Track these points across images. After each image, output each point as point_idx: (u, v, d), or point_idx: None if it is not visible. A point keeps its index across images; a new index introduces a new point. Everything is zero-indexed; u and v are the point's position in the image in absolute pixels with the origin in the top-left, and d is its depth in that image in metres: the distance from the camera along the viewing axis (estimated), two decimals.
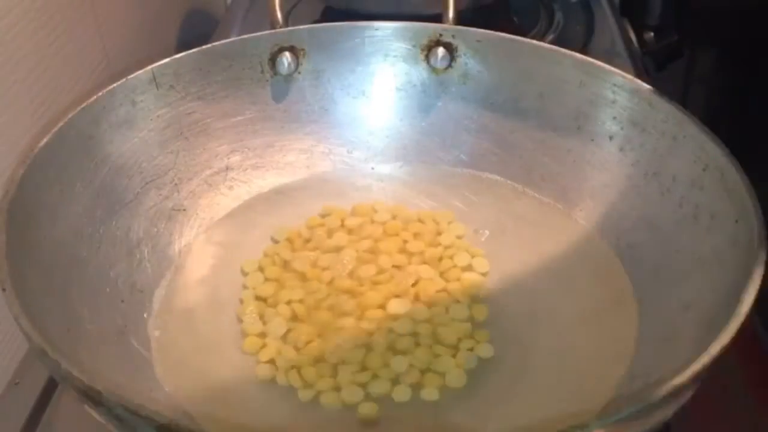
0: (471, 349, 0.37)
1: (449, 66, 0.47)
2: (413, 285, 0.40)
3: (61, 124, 0.38)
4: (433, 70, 0.48)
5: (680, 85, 0.66)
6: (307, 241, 0.43)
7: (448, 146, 0.48)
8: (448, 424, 0.34)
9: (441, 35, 0.47)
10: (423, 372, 0.36)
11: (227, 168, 0.46)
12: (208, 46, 0.45)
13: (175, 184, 0.44)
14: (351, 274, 0.41)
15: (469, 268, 0.41)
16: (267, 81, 0.47)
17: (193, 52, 0.44)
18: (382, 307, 0.39)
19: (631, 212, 0.41)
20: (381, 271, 0.41)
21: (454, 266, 0.41)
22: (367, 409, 0.34)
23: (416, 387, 0.35)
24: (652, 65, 0.65)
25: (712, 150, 0.37)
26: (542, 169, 0.46)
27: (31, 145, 0.37)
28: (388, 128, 0.49)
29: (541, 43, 0.46)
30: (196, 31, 0.75)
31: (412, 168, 0.48)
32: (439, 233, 0.43)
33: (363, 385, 0.35)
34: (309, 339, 0.37)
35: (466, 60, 0.47)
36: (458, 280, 0.40)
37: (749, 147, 0.37)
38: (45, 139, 0.37)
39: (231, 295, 0.40)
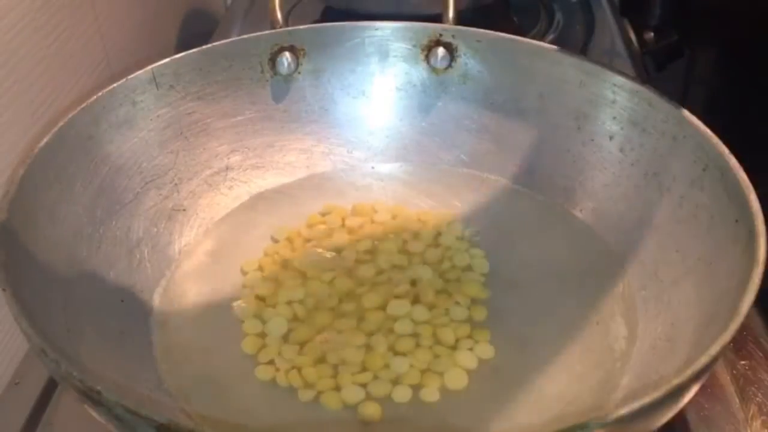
0: (471, 350, 0.37)
1: (449, 66, 0.47)
2: (413, 286, 0.40)
3: (61, 124, 0.38)
4: (433, 70, 0.48)
5: (680, 85, 0.66)
6: (308, 240, 0.43)
7: (448, 146, 0.48)
8: (448, 424, 0.34)
9: (441, 35, 0.47)
10: (423, 372, 0.36)
11: (227, 168, 0.46)
12: (208, 46, 0.45)
13: (175, 184, 0.44)
14: (351, 275, 0.41)
15: (468, 268, 0.41)
16: (267, 81, 0.47)
17: (193, 52, 0.44)
18: (382, 308, 0.39)
19: (631, 212, 0.41)
20: (381, 272, 0.41)
21: (454, 266, 0.41)
22: (368, 409, 0.34)
23: (416, 387, 0.35)
24: (652, 65, 0.65)
25: (712, 150, 0.37)
26: (542, 169, 0.46)
27: (31, 145, 0.36)
28: (388, 128, 0.49)
29: (541, 43, 0.46)
30: (196, 31, 0.75)
31: (412, 168, 0.48)
32: (439, 233, 0.43)
33: (363, 386, 0.35)
34: (309, 339, 0.37)
35: (466, 60, 0.47)
36: (458, 280, 0.40)
37: (749, 147, 0.37)
38: (45, 139, 0.37)
39: (231, 295, 0.40)
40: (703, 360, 0.27)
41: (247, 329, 0.38)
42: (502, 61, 0.46)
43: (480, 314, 0.39)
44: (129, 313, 0.38)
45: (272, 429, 0.34)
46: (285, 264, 0.42)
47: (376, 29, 0.47)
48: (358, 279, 0.40)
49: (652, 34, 0.64)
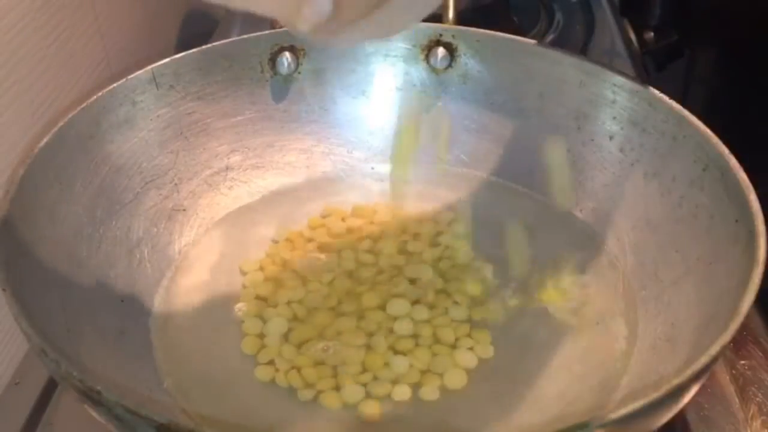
0: (471, 349, 0.37)
1: (449, 66, 0.47)
2: (412, 285, 0.40)
3: (61, 124, 0.38)
4: (433, 70, 0.48)
5: (680, 85, 0.66)
6: (308, 241, 0.43)
7: (448, 146, 0.48)
8: (448, 424, 0.34)
9: (441, 35, 0.47)
10: (423, 372, 0.36)
11: (227, 168, 0.46)
12: (208, 46, 0.45)
13: (175, 184, 0.44)
14: (351, 275, 0.41)
15: (468, 268, 0.41)
16: (267, 81, 0.47)
17: (193, 52, 0.44)
18: (382, 307, 0.39)
19: (631, 212, 0.41)
20: (381, 272, 0.41)
21: (454, 266, 0.41)
22: (367, 409, 0.34)
23: (416, 387, 0.35)
24: (652, 65, 0.65)
25: (712, 150, 0.37)
26: (542, 169, 0.46)
27: (31, 145, 0.36)
28: (388, 128, 0.49)
29: (541, 43, 0.45)
30: (196, 31, 0.75)
31: (412, 168, 0.48)
32: (438, 233, 0.43)
33: (363, 386, 0.35)
34: (309, 339, 0.37)
35: (466, 60, 0.47)
36: (458, 280, 0.40)
37: (749, 147, 0.37)
38: (45, 139, 0.37)
39: (231, 295, 0.40)
40: (703, 360, 0.27)
41: (247, 329, 0.38)
42: (502, 61, 0.46)
43: (480, 314, 0.39)
44: (129, 313, 0.38)
45: (272, 429, 0.34)
46: (285, 264, 0.42)
47: None
48: (358, 279, 0.40)
49: (652, 34, 0.64)
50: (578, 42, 0.64)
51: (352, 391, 0.35)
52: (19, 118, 0.45)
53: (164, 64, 0.43)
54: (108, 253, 0.39)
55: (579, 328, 0.38)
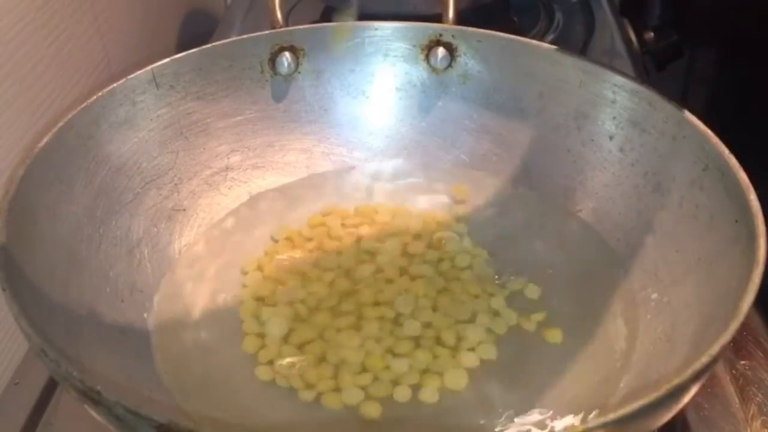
0: (472, 350, 0.37)
1: (449, 66, 0.47)
2: (414, 286, 0.40)
3: (61, 124, 0.38)
4: (433, 70, 0.48)
5: (680, 85, 0.66)
6: (308, 240, 0.43)
7: (448, 146, 0.48)
8: (448, 424, 0.34)
9: (441, 35, 0.47)
10: (423, 372, 0.36)
11: (227, 168, 0.46)
12: (208, 46, 0.45)
13: (175, 184, 0.44)
14: (351, 275, 0.41)
15: (469, 268, 0.41)
16: (267, 81, 0.47)
17: (193, 52, 0.44)
18: (382, 308, 0.39)
19: (631, 212, 0.41)
20: (381, 272, 0.41)
21: (454, 267, 0.41)
22: (368, 409, 0.34)
23: (416, 387, 0.35)
24: (652, 65, 0.65)
25: (712, 150, 0.37)
26: (542, 169, 0.46)
27: (31, 145, 0.36)
28: (388, 128, 0.49)
29: (541, 43, 0.46)
30: (196, 31, 0.75)
31: (412, 168, 0.48)
32: (439, 234, 0.43)
33: (363, 386, 0.35)
34: (309, 339, 0.37)
35: (466, 60, 0.47)
36: (458, 280, 0.40)
37: (749, 147, 0.37)
38: (45, 139, 0.37)
39: (231, 295, 0.40)
40: (703, 360, 0.27)
41: (247, 329, 0.38)
42: (502, 61, 0.46)
43: (484, 321, 0.39)
44: (129, 313, 0.38)
45: (272, 429, 0.34)
46: (285, 264, 0.42)
47: (376, 29, 0.47)
48: (358, 279, 0.40)
49: (652, 34, 0.64)
50: (578, 42, 0.64)
51: (353, 392, 0.35)
52: (19, 118, 0.45)
53: (164, 64, 0.43)
54: (108, 253, 0.39)
55: (579, 328, 0.38)
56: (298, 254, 0.42)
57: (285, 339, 0.38)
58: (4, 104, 0.43)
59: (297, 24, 0.49)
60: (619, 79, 0.42)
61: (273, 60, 0.47)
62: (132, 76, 0.42)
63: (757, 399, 0.37)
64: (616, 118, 0.43)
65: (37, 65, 0.46)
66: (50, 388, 0.40)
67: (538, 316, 0.38)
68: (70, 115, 0.39)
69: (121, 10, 0.59)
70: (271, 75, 0.47)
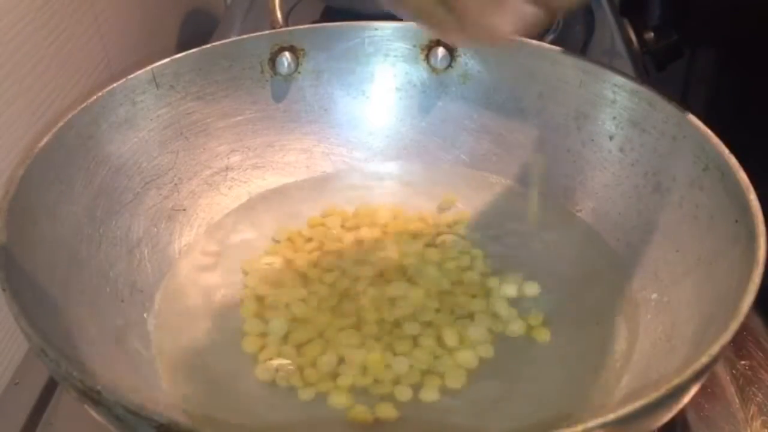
0: (471, 349, 0.37)
1: (449, 66, 0.47)
2: (413, 286, 0.40)
3: (61, 124, 0.38)
4: (433, 70, 0.48)
5: (680, 85, 0.66)
6: (308, 240, 0.43)
7: (448, 146, 0.48)
8: (448, 424, 0.34)
9: None
10: (423, 372, 0.36)
11: (227, 168, 0.46)
12: (208, 46, 0.45)
13: (175, 184, 0.44)
14: (351, 275, 0.41)
15: (469, 268, 0.41)
16: (267, 81, 0.47)
17: (193, 52, 0.44)
18: (382, 308, 0.39)
19: (631, 212, 0.41)
20: (381, 272, 0.41)
21: (455, 267, 0.41)
22: (368, 409, 0.34)
23: (416, 387, 0.35)
24: (652, 65, 0.65)
25: (712, 150, 0.37)
26: (542, 169, 0.46)
27: (31, 145, 0.36)
28: (388, 128, 0.49)
29: (541, 43, 0.46)
30: (196, 31, 0.75)
31: (412, 168, 0.48)
32: (439, 234, 0.43)
33: (363, 386, 0.35)
34: (309, 339, 0.37)
35: (466, 60, 0.47)
36: (459, 280, 0.40)
37: (749, 147, 0.37)
38: (45, 139, 0.37)
39: (231, 295, 0.40)
40: (703, 360, 0.27)
41: (247, 329, 0.38)
42: (502, 61, 0.46)
43: (483, 322, 0.39)
44: (129, 313, 0.38)
45: (272, 429, 0.34)
46: (285, 264, 0.42)
47: (376, 29, 0.47)
48: (358, 279, 0.40)
49: (652, 34, 0.64)
50: (578, 42, 0.64)
51: (353, 392, 0.35)
52: (19, 118, 0.45)
53: (164, 64, 0.43)
54: (108, 253, 0.39)
55: (579, 328, 0.38)
56: (298, 254, 0.42)
57: (285, 339, 0.38)
58: (4, 104, 0.43)
59: (297, 24, 0.49)
60: (619, 79, 0.42)
61: (273, 60, 0.47)
62: (132, 76, 0.42)
63: (757, 399, 0.37)
64: (616, 118, 0.43)
65: (37, 65, 0.46)
66: (50, 388, 0.40)
67: (538, 316, 0.38)
68: (70, 115, 0.39)
69: (121, 10, 0.59)
70: (271, 75, 0.47)
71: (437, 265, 0.41)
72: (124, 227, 0.40)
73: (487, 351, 0.37)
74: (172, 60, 0.44)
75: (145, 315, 0.39)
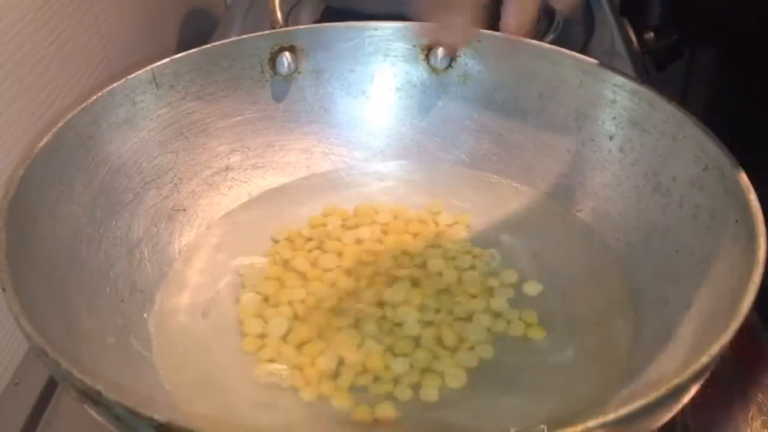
0: (471, 349, 0.37)
1: (449, 66, 0.47)
2: (414, 286, 0.40)
3: (60, 124, 0.38)
4: (433, 70, 0.48)
5: (680, 85, 0.66)
6: (309, 240, 0.43)
7: (448, 146, 0.48)
8: (448, 424, 0.34)
9: None
10: (423, 372, 0.36)
11: (227, 168, 0.46)
12: (208, 46, 0.45)
13: (175, 184, 0.44)
14: (351, 275, 0.41)
15: (469, 269, 0.41)
16: (267, 81, 0.47)
17: (193, 52, 0.44)
18: (382, 307, 0.39)
19: (630, 212, 0.41)
20: (381, 272, 0.41)
21: (455, 267, 0.41)
22: (368, 409, 0.34)
23: (416, 387, 0.35)
24: (652, 65, 0.65)
25: (712, 150, 0.37)
26: (542, 169, 0.46)
27: (31, 145, 0.36)
28: (388, 128, 0.49)
29: (541, 43, 0.46)
30: (196, 31, 0.76)
31: (412, 168, 0.48)
32: (439, 234, 0.43)
33: (363, 386, 0.35)
34: (310, 339, 0.37)
35: (466, 60, 0.47)
36: (459, 280, 0.40)
37: (749, 147, 0.37)
38: (45, 139, 0.37)
39: (231, 295, 0.40)
40: (703, 360, 0.27)
41: (247, 329, 0.38)
42: (502, 61, 0.46)
43: (483, 321, 0.39)
44: (129, 313, 0.38)
45: (272, 429, 0.34)
46: (285, 264, 0.42)
47: (376, 29, 0.47)
48: (358, 279, 0.40)
49: (652, 34, 0.64)
50: (578, 42, 0.64)
51: (353, 391, 0.35)
52: (19, 118, 0.45)
53: (164, 64, 0.43)
54: (108, 253, 0.39)
55: (579, 328, 0.38)
56: (297, 254, 0.42)
57: (285, 339, 0.38)
58: (4, 104, 0.43)
59: (297, 24, 0.50)
60: (619, 79, 0.42)
61: (273, 60, 0.47)
62: (132, 76, 0.42)
63: (757, 399, 0.37)
64: (616, 118, 0.43)
65: (37, 65, 0.46)
66: (50, 388, 0.40)
67: (533, 315, 0.38)
68: (70, 115, 0.39)
69: (121, 10, 0.59)
70: (271, 75, 0.47)
71: (437, 265, 0.41)
72: (124, 227, 0.40)
73: (487, 351, 0.37)
74: (172, 60, 0.44)
75: (145, 315, 0.39)
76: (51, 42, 0.48)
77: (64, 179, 0.38)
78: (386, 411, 0.34)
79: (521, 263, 0.41)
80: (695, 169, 0.38)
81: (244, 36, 0.47)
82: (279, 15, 0.49)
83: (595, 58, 0.44)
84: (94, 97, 0.40)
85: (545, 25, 0.65)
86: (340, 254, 0.42)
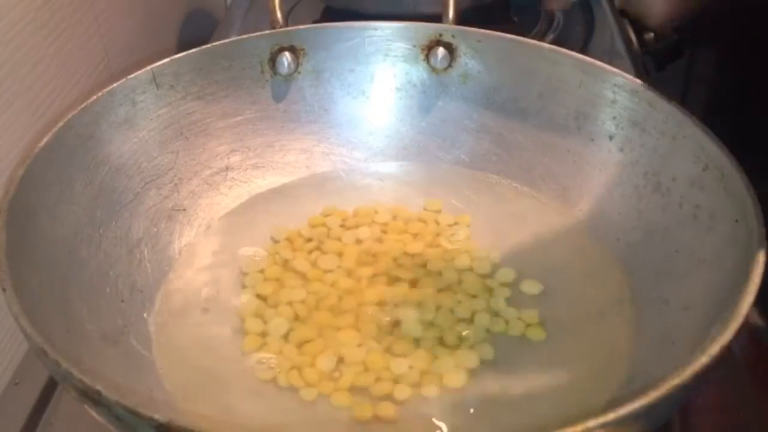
0: (471, 349, 0.37)
1: (449, 66, 0.47)
2: (414, 286, 0.40)
3: (60, 124, 0.38)
4: (433, 70, 0.48)
5: (680, 85, 0.66)
6: (308, 240, 0.43)
7: (448, 146, 0.48)
8: (447, 424, 0.34)
9: (441, 35, 0.47)
10: (423, 372, 0.36)
11: (227, 168, 0.46)
12: (208, 46, 0.45)
13: (175, 184, 0.44)
14: (352, 275, 0.41)
15: (469, 269, 0.41)
16: (267, 81, 0.47)
17: (193, 52, 0.44)
18: (382, 308, 0.39)
19: (630, 212, 0.41)
20: (381, 272, 0.41)
21: (455, 267, 0.41)
22: (367, 408, 0.34)
23: (416, 387, 0.35)
24: (652, 65, 0.65)
25: (712, 150, 0.37)
26: (542, 169, 0.46)
27: (31, 145, 0.37)
28: (388, 128, 0.49)
29: (541, 43, 0.46)
30: (196, 31, 0.76)
31: (412, 168, 0.48)
32: (439, 234, 0.43)
33: (364, 386, 0.35)
34: (310, 339, 0.37)
35: (466, 60, 0.47)
36: (459, 281, 0.40)
37: (749, 147, 0.37)
38: (45, 139, 0.37)
39: (231, 295, 0.40)
40: (703, 360, 0.27)
41: (247, 329, 0.38)
42: (502, 61, 0.46)
43: (483, 321, 0.39)
44: (129, 313, 0.38)
45: (272, 429, 0.34)
46: (285, 264, 0.42)
47: (376, 29, 0.47)
48: (358, 279, 0.40)
49: (652, 34, 0.64)
50: (578, 42, 0.64)
51: (353, 391, 0.35)
52: (19, 118, 0.45)
53: (164, 64, 0.43)
54: (108, 253, 0.39)
55: (579, 328, 0.38)
56: (297, 254, 0.42)
57: (285, 338, 0.38)
58: (4, 104, 0.43)
59: (297, 24, 0.49)
60: (619, 79, 0.42)
61: (273, 60, 0.47)
62: (132, 76, 0.42)
63: (758, 399, 0.37)
64: (616, 118, 0.43)
65: (37, 65, 0.46)
66: (50, 388, 0.40)
67: (533, 315, 0.38)
68: (70, 115, 0.39)
69: (121, 10, 0.59)
70: (271, 75, 0.47)
71: (437, 265, 0.41)
72: (124, 227, 0.40)
73: (487, 351, 0.37)
74: (172, 60, 0.44)
75: (145, 315, 0.39)
76: (51, 42, 0.48)
77: (64, 179, 0.38)
78: (386, 411, 0.34)
79: (521, 263, 0.41)
80: (695, 169, 0.38)
81: (244, 36, 0.47)
82: (279, 15, 0.49)
83: (595, 58, 0.44)
84: (94, 97, 0.40)
85: (545, 25, 0.65)
86: (340, 254, 0.42)
